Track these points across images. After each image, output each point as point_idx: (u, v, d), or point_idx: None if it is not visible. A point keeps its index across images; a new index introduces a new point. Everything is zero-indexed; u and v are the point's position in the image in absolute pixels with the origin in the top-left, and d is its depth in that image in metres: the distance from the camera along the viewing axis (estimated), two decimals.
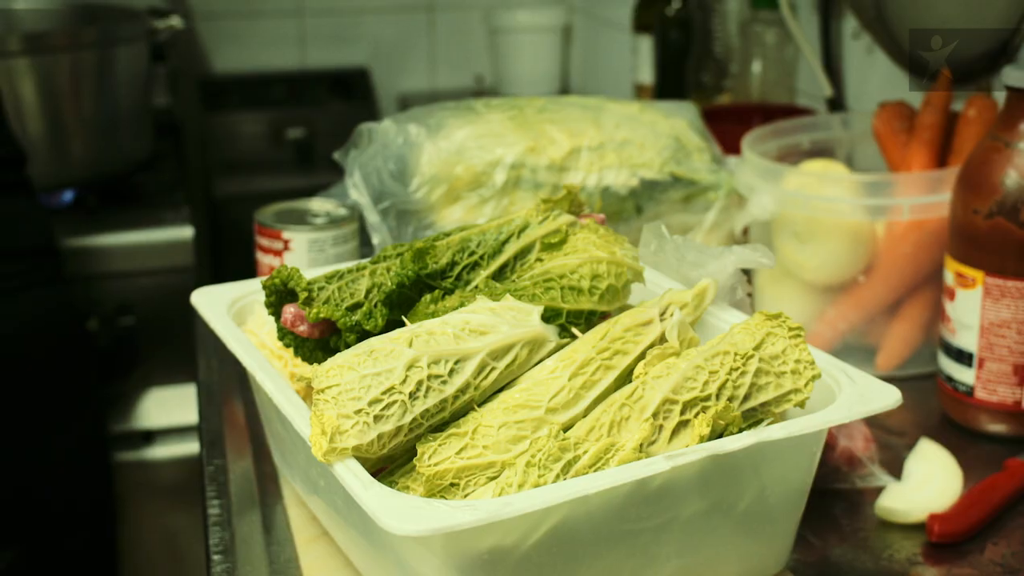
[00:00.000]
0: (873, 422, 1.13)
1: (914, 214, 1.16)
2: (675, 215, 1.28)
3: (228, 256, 2.29)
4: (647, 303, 0.86)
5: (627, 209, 1.25)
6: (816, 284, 1.22)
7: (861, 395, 0.82)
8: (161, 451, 1.77)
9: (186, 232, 1.77)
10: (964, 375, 1.09)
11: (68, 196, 1.87)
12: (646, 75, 1.94)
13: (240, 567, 0.91)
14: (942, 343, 1.11)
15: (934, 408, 1.15)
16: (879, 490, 0.98)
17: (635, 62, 1.98)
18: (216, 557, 0.92)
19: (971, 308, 1.07)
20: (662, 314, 0.84)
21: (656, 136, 1.27)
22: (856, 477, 1.00)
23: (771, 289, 1.27)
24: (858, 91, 1.56)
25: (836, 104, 1.58)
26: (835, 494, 1.00)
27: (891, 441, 1.09)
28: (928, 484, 0.97)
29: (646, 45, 1.93)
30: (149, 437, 1.77)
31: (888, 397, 0.81)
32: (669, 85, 1.83)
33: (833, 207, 1.17)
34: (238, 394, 1.22)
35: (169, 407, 1.76)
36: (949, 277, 1.09)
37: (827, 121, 1.40)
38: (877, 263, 1.20)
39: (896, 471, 1.01)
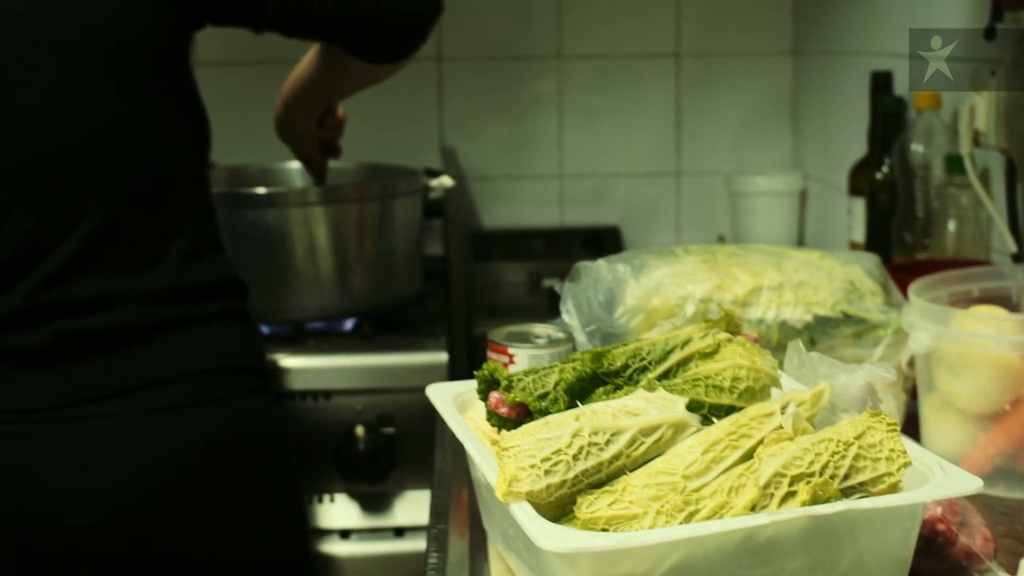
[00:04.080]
0: (1012, 533, 1.27)
1: None
2: (846, 348, 1.46)
3: None
4: (773, 399, 1.06)
5: (802, 341, 1.44)
6: (968, 412, 1.37)
7: (948, 482, 0.98)
8: (407, 544, 2.04)
9: (441, 358, 2.07)
10: None
11: (350, 324, 2.21)
12: (859, 234, 2.13)
13: None
14: None
15: None
16: None
17: (850, 222, 2.17)
18: None
19: None
20: (783, 408, 1.03)
21: (831, 279, 1.47)
22: (975, 571, 1.14)
23: (934, 418, 1.43)
24: None
25: (1021, 259, 1.72)
26: None
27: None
28: None
29: (859, 207, 2.12)
30: (400, 532, 2.05)
31: (971, 484, 0.98)
32: (877, 242, 2.01)
33: (980, 342, 1.33)
34: (466, 482, 1.47)
35: (418, 506, 2.04)
36: None
37: (1012, 271, 1.55)
38: None
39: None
